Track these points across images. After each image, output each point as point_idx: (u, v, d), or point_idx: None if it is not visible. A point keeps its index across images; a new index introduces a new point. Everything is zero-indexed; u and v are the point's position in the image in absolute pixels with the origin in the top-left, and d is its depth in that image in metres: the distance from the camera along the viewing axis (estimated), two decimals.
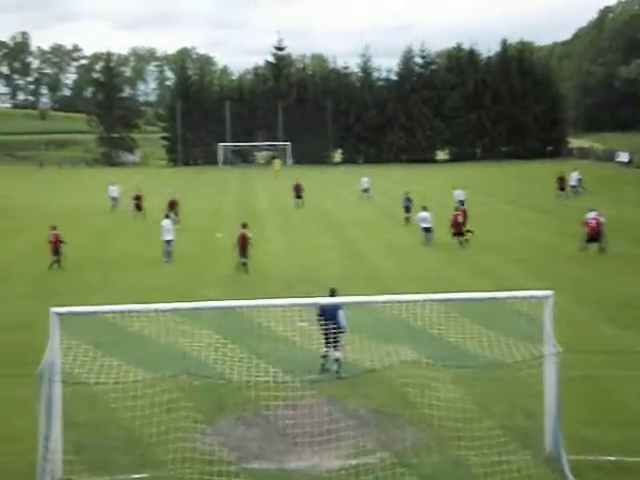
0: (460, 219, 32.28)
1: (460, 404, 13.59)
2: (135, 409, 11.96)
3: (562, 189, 50.57)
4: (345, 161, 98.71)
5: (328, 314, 15.29)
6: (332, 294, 15.88)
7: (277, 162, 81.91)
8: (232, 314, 15.34)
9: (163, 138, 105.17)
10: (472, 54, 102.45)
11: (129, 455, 11.90)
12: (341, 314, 15.48)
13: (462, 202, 40.55)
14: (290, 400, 12.83)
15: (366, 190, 51.77)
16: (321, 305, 15.15)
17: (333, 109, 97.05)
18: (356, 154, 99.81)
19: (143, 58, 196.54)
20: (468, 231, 32.50)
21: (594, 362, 16.15)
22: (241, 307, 13.72)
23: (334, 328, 15.17)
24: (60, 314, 11.30)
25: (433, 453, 12.02)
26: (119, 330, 14.11)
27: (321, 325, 15.32)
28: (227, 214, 45.10)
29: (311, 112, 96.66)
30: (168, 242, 29.81)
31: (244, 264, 27.06)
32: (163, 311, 13.35)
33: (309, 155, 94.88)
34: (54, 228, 28.68)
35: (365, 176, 53.26)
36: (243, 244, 27.20)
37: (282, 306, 13.73)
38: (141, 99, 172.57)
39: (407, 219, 38.82)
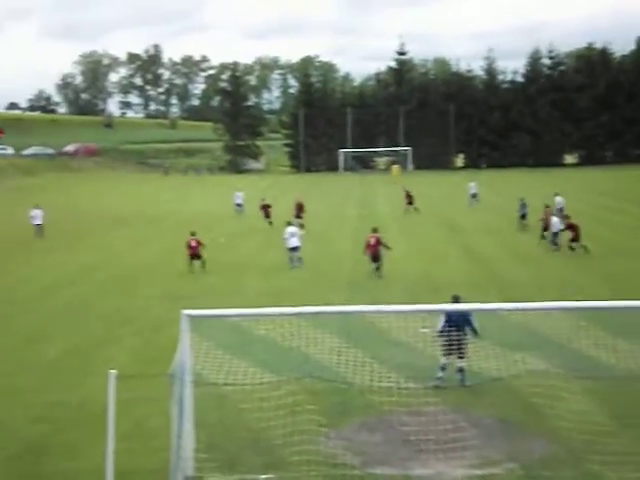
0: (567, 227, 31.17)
1: (593, 417, 13.06)
2: (261, 410, 12.21)
3: None
4: (467, 166, 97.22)
5: (455, 322, 14.95)
6: (455, 301, 15.56)
7: (395, 167, 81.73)
8: (355, 319, 15.45)
9: (286, 145, 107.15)
10: (604, 53, 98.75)
11: (257, 455, 12.16)
12: (473, 320, 15.12)
13: (561, 209, 39.00)
14: (413, 407, 12.75)
15: (474, 195, 51.13)
16: (448, 312, 14.93)
17: (455, 113, 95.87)
18: (479, 158, 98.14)
19: (267, 67, 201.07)
20: (583, 246, 30.83)
21: None
22: (364, 312, 13.79)
23: (459, 336, 14.85)
24: (191, 316, 11.66)
25: (565, 467, 11.61)
26: (246, 333, 14.49)
27: (445, 334, 15.00)
28: (348, 219, 45.40)
29: (433, 116, 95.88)
30: (294, 249, 30.04)
31: (377, 269, 27.09)
32: (288, 315, 13.59)
33: (430, 160, 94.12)
34: (193, 234, 29.54)
35: (473, 181, 52.41)
36: (374, 249, 27.13)
37: (405, 312, 13.67)
38: (265, 107, 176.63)
39: (524, 226, 37.77)
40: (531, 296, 20.17)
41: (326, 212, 49.13)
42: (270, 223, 41.56)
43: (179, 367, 11.26)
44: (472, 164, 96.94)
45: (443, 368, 15.17)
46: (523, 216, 38.47)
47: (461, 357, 15.09)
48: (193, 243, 29.14)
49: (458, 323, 14.91)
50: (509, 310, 12.78)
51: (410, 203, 48.12)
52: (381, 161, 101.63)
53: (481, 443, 12.16)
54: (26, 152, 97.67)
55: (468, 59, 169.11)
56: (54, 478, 11.87)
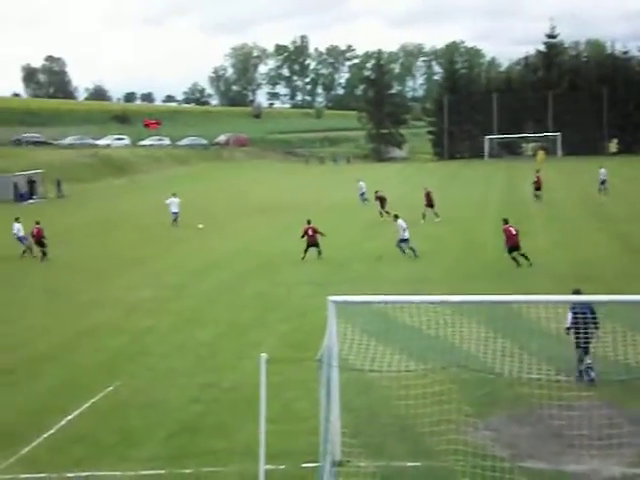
0: None
1: None
2: (407, 398, 12.19)
3: None
4: (621, 151, 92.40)
5: (581, 315, 14.13)
6: (577, 294, 14.60)
7: (541, 153, 78.98)
8: (502, 308, 15.07)
9: (429, 132, 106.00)
10: None
11: (403, 443, 12.16)
12: (597, 315, 14.29)
13: (603, 182, 37.85)
14: (565, 400, 12.31)
15: (603, 182, 48.73)
16: (573, 307, 14.27)
17: (609, 96, 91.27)
18: (634, 144, 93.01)
19: (412, 54, 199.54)
20: None
21: None
22: (510, 302, 13.42)
23: (587, 331, 14.13)
24: (336, 302, 11.79)
25: None
26: (390, 320, 14.50)
27: (574, 328, 14.34)
28: (491, 206, 44.33)
29: (584, 100, 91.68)
30: (403, 241, 29.53)
31: (522, 255, 26.37)
32: (432, 303, 13.47)
33: (581, 145, 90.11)
34: (309, 222, 30.01)
35: (602, 167, 49.42)
36: (512, 239, 26.54)
37: (549, 302, 13.24)
38: (409, 95, 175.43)
39: None
40: None
41: (467, 199, 48.23)
42: (381, 214, 40.21)
43: (326, 352, 11.41)
44: (627, 150, 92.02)
45: (581, 360, 14.59)
46: None
47: (587, 353, 14.45)
48: (310, 232, 29.52)
49: (585, 317, 14.13)
50: None
51: (538, 189, 46.21)
52: (528, 147, 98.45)
53: (638, 440, 11.57)
54: (181, 143, 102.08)
55: (624, 40, 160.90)
56: (208, 456, 12.38)
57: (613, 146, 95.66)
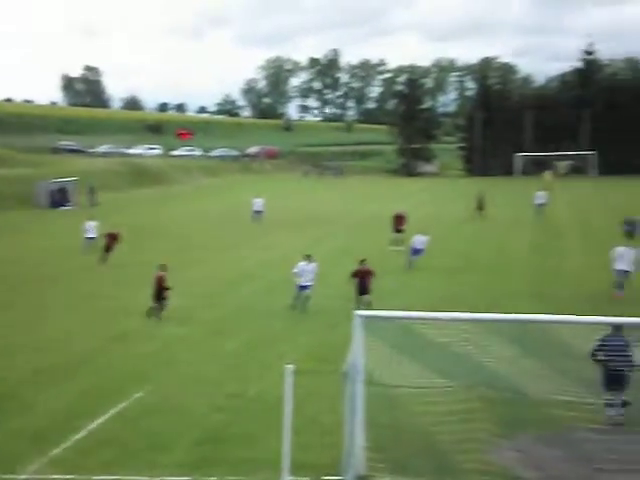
0: None
1: None
2: (432, 415, 12.12)
3: None
4: None
5: (614, 350, 13.32)
6: (617, 331, 13.69)
7: (547, 174, 77.87)
8: (533, 328, 14.91)
9: (460, 148, 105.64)
10: None
11: (428, 459, 12.06)
12: (634, 353, 13.35)
13: None
14: (594, 423, 12.14)
15: None
16: (603, 342, 13.47)
17: None
18: None
19: (445, 69, 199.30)
20: None
21: None
22: (540, 321, 13.25)
23: (621, 369, 13.25)
24: (363, 317, 11.78)
25: None
26: (417, 336, 14.41)
27: (603, 362, 13.45)
28: (524, 225, 44.04)
29: (621, 119, 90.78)
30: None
31: None
32: (459, 320, 13.37)
33: (617, 165, 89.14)
34: (363, 262, 25.43)
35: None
36: None
37: (580, 323, 13.04)
38: (440, 110, 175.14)
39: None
40: None
41: (501, 216, 47.96)
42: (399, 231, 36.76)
43: (351, 366, 11.38)
44: None
45: (609, 405, 13.37)
46: None
47: (618, 390, 13.38)
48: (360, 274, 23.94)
49: (619, 353, 13.25)
50: None
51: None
52: (561, 165, 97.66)
53: None
54: (212, 154, 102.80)
55: None
56: (232, 465, 12.39)
57: None
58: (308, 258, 23.67)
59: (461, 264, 31.25)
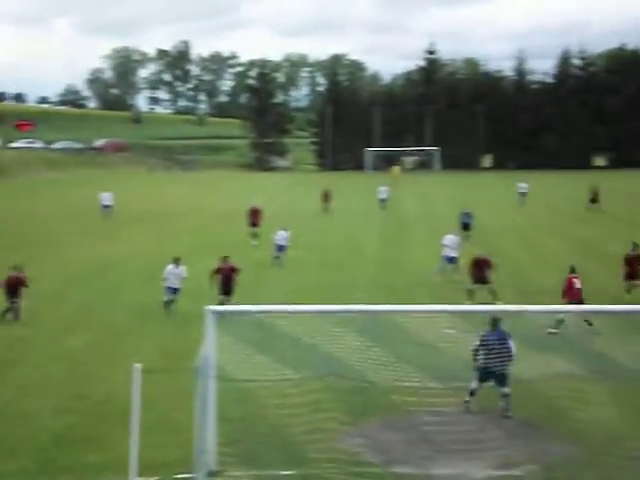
0: None
1: (613, 419, 13.02)
2: (283, 407, 12.31)
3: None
4: (495, 167, 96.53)
5: (492, 343, 13.87)
6: (495, 323, 14.22)
7: (396, 169, 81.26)
8: (380, 319, 15.46)
9: (312, 143, 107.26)
10: (636, 55, 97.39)
11: (278, 451, 12.23)
12: (511, 343, 13.94)
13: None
14: (436, 407, 12.76)
15: (523, 194, 52.85)
16: (483, 338, 14.03)
17: (484, 113, 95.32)
18: (507, 159, 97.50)
19: (296, 64, 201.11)
20: None
21: None
22: (386, 312, 13.77)
23: (501, 359, 13.76)
24: (215, 312, 11.80)
25: (584, 468, 11.58)
26: (269, 329, 14.59)
27: (480, 355, 13.98)
28: (372, 218, 45.42)
29: (462, 116, 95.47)
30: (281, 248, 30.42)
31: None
32: (309, 312, 13.65)
33: (458, 160, 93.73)
34: (226, 258, 24.73)
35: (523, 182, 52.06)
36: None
37: (427, 312, 13.69)
38: (293, 105, 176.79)
39: (467, 237, 34.66)
40: (555, 299, 20.08)
41: (351, 209, 49.19)
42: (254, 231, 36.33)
43: (203, 362, 11.37)
44: (500, 165, 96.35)
45: (472, 393, 14.06)
46: (465, 226, 36.21)
47: (504, 382, 13.88)
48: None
49: (495, 347, 13.80)
50: (534, 312, 12.75)
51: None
52: (408, 161, 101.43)
53: (503, 444, 12.15)
54: (55, 146, 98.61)
55: (498, 60, 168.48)
56: (80, 470, 12.04)
57: (487, 161, 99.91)
58: (176, 261, 22.85)
59: (314, 257, 31.82)
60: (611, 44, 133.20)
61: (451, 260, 27.23)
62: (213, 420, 11.65)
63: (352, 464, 11.52)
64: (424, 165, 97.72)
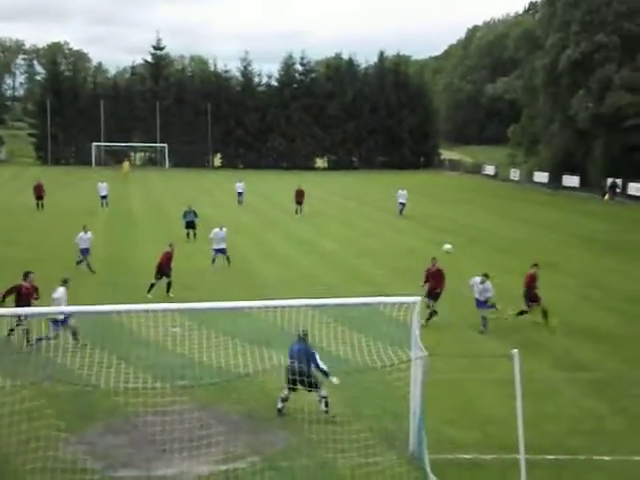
0: None
1: (332, 408, 13.82)
2: None
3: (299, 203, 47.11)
4: (225, 166, 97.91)
5: (296, 356, 13.95)
6: (303, 337, 14.29)
7: (126, 164, 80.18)
8: (103, 320, 14.94)
9: (31, 135, 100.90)
10: (351, 64, 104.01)
11: None
12: (317, 357, 14.05)
13: (402, 204, 46.83)
14: (160, 406, 12.62)
15: (240, 194, 52.72)
16: (290, 351, 14.14)
17: (213, 112, 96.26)
18: (236, 159, 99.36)
19: (10, 50, 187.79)
20: None
21: (457, 365, 16.77)
22: (106, 312, 13.33)
23: (305, 370, 13.78)
24: None
25: (302, 456, 12.14)
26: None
27: (290, 367, 13.95)
28: (102, 215, 43.91)
29: (190, 114, 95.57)
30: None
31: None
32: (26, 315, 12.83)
33: (188, 158, 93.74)
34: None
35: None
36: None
37: (151, 311, 13.48)
38: (8, 93, 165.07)
39: (188, 235, 35.49)
40: (281, 294, 20.87)
41: (74, 207, 47.10)
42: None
43: None
44: (230, 164, 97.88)
45: (284, 399, 14.09)
46: (188, 224, 36.08)
47: (317, 387, 13.95)
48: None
49: (300, 360, 13.89)
50: (258, 308, 13.07)
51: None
52: (137, 157, 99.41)
53: (227, 439, 12.34)
54: None
55: (228, 60, 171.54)
56: None
57: (217, 160, 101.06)
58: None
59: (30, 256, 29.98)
60: (329, 52, 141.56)
61: (221, 251, 29.27)
62: None
63: (70, 472, 11.02)
64: (153, 162, 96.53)
